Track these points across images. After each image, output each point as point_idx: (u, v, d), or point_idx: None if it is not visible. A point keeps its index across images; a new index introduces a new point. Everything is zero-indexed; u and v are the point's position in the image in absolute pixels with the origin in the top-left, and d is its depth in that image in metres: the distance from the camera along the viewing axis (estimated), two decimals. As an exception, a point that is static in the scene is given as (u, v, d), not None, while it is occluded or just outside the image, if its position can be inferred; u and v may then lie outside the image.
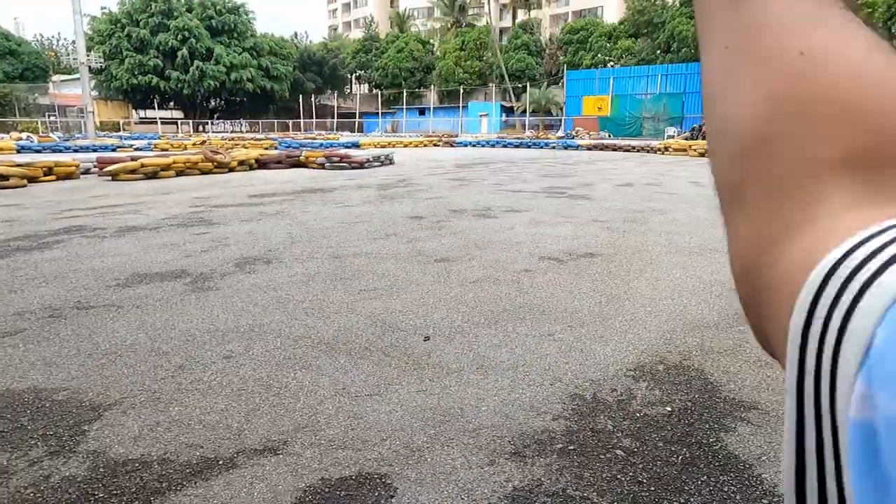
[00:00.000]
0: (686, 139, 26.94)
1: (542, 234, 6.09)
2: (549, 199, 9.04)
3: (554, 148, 27.22)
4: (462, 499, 1.86)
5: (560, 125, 43.92)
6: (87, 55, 28.48)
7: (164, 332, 3.30)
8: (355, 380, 2.71)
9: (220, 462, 2.06)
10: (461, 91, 51.51)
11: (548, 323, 3.47)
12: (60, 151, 21.65)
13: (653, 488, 1.92)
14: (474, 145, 30.41)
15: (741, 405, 2.48)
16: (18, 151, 21.22)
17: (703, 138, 26.48)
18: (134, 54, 46.56)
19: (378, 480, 1.96)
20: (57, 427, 2.28)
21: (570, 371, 2.81)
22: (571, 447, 2.16)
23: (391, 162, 16.56)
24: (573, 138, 32.61)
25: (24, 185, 10.83)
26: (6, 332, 3.29)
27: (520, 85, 50.25)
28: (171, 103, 55.04)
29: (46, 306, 3.75)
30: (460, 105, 51.03)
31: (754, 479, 1.97)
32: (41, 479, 1.95)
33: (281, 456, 2.10)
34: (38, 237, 5.98)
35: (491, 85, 53.95)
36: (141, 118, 55.29)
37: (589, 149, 26.08)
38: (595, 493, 1.89)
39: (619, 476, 1.99)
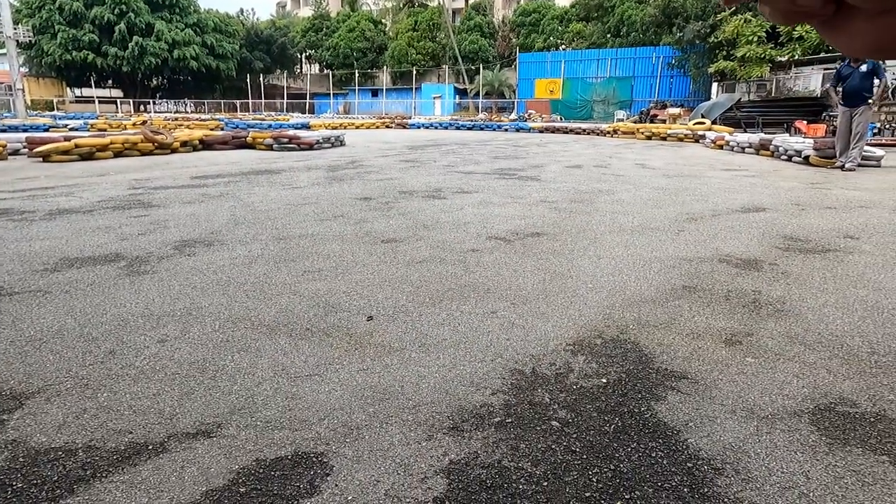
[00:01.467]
0: (635, 122, 27.53)
1: (491, 215, 6.12)
2: (500, 180, 9.09)
3: (507, 130, 27.35)
4: (399, 474, 1.87)
5: (513, 107, 44.15)
6: (14, 28, 26.70)
7: (94, 318, 3.17)
8: (295, 361, 2.67)
9: (150, 447, 2.00)
10: (414, 72, 51.01)
11: (492, 301, 3.50)
12: (-14, 131, 20.33)
13: (585, 456, 1.97)
14: (427, 127, 30.23)
15: (672, 375, 2.57)
16: (-61, 131, 19.83)
17: (651, 121, 27.16)
18: (67, 28, 44.02)
19: (314, 459, 1.94)
20: (-27, 417, 2.16)
21: (511, 347, 2.85)
22: (509, 420, 2.20)
23: (342, 143, 16.29)
24: (526, 121, 32.84)
25: (-55, 167, 10.14)
26: (-82, 320, 3.09)
27: (473, 67, 50.18)
28: (110, 81, 52.53)
29: (-35, 293, 3.54)
30: (413, 86, 50.57)
31: (681, 444, 2.05)
32: (-46, 472, 1.85)
33: (214, 438, 2.05)
34: (-41, 221, 5.62)
35: (444, 66, 53.66)
36: (77, 97, 52.53)
37: (541, 131, 26.32)
38: (529, 464, 1.93)
39: (553, 446, 2.03)
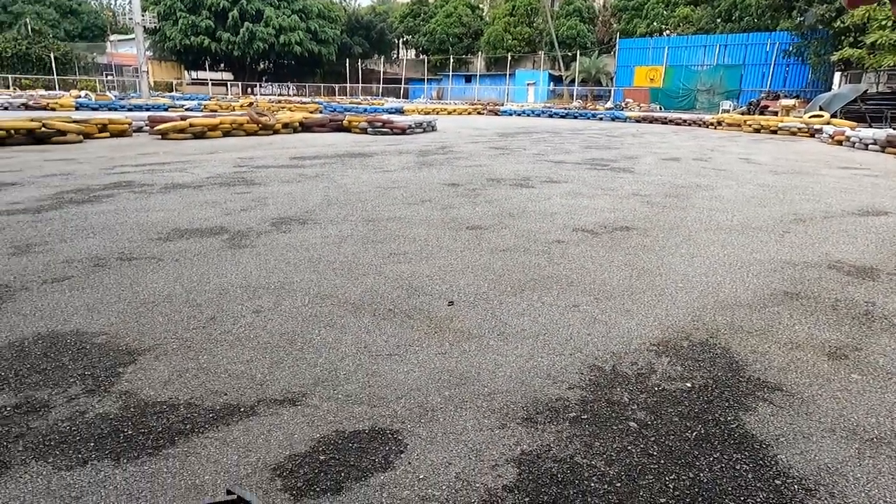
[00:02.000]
0: (742, 113, 25.78)
1: (579, 206, 5.99)
2: (591, 171, 8.85)
3: (601, 119, 26.50)
4: (470, 458, 1.90)
5: (609, 96, 42.68)
6: (142, 15, 29.06)
7: (199, 286, 3.43)
8: (377, 339, 2.77)
9: (242, 409, 2.15)
10: (509, 58, 50.45)
11: (575, 294, 3.44)
12: (115, 110, 22.40)
13: (662, 461, 1.91)
14: (519, 114, 29.89)
15: (765, 386, 2.42)
16: (77, 108, 22.06)
17: (761, 113, 25.30)
18: (186, 15, 47.33)
19: (390, 436, 2.01)
20: (94, 368, 2.42)
21: (591, 342, 2.79)
22: (584, 416, 2.16)
23: (433, 129, 16.47)
24: (622, 110, 31.65)
25: (80, 141, 11.27)
26: (55, 278, 3.48)
27: (570, 53, 48.88)
28: (222, 65, 55.93)
29: (92, 256, 3.94)
30: (507, 73, 50.05)
31: (769, 459, 1.93)
32: (77, 415, 2.08)
33: (299, 407, 2.17)
34: (90, 191, 6.24)
35: (540, 52, 52.63)
36: (193, 79, 56.41)
37: (637, 121, 25.29)
38: (603, 463, 1.89)
39: (629, 447, 1.98)
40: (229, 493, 0.92)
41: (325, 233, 4.69)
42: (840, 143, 14.47)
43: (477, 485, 1.78)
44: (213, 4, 46.84)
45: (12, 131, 10.34)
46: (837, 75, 29.54)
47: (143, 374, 2.38)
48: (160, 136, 12.34)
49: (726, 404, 2.27)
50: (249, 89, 51.72)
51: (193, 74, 57.19)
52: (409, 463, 1.87)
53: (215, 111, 20.98)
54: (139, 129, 13.62)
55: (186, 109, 21.30)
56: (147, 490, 1.71)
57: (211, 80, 53.42)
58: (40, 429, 1.99)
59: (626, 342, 2.81)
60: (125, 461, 1.84)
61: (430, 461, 1.88)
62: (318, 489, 1.74)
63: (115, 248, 4.12)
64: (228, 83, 53.54)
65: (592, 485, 1.79)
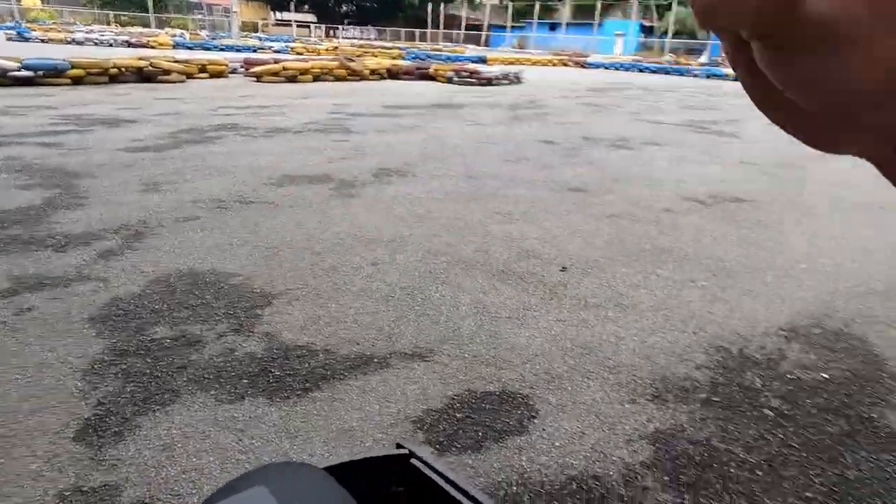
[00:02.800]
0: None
1: (684, 173, 5.72)
2: (692, 133, 8.40)
3: (696, 76, 24.91)
4: (603, 430, 1.92)
5: (705, 50, 39.90)
6: (235, -46, 29.45)
7: (316, 233, 3.56)
8: (494, 301, 2.80)
9: (375, 360, 2.25)
10: (598, 6, 47.85)
11: (690, 268, 3.33)
12: (209, 49, 23.12)
13: (804, 454, 1.86)
14: (607, 67, 28.55)
15: (911, 384, 2.28)
16: (174, 47, 22.91)
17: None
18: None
19: (521, 400, 2.05)
20: (235, 308, 2.59)
21: (714, 322, 2.71)
22: (716, 399, 2.12)
23: (519, 81, 16.04)
24: (718, 66, 29.55)
25: (183, 81, 11.76)
26: (187, 217, 3.71)
27: (664, 2, 45.74)
28: (306, 6, 56.20)
29: (214, 198, 4.15)
30: (595, 22, 47.58)
31: (923, 464, 1.84)
32: (227, 352, 2.25)
33: (429, 363, 2.25)
34: (201, 131, 6.54)
35: (631, 0, 49.55)
36: (277, 20, 57.13)
37: (736, 79, 23.59)
38: (741, 449, 1.86)
39: (766, 436, 1.94)
40: (399, 446, 0.95)
41: (427, 187, 4.73)
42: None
43: (614, 458, 1.80)
44: (300, -56, 46.74)
45: (124, 69, 10.90)
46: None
47: (280, 318, 2.52)
48: (255, 79, 12.67)
49: (869, 400, 2.17)
50: (332, 32, 51.94)
51: (278, 15, 57.90)
52: (544, 429, 1.91)
53: (301, 54, 21.26)
54: (234, 71, 14.03)
55: (275, 51, 21.69)
56: (303, 429, 1.84)
57: (295, 21, 53.94)
58: (199, 362, 2.17)
59: (752, 325, 2.71)
60: (278, 400, 1.98)
61: (563, 429, 1.91)
62: (459, 446, 1.81)
63: (233, 191, 4.33)
64: (312, 25, 53.91)
65: (733, 471, 1.77)
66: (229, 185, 4.48)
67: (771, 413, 2.06)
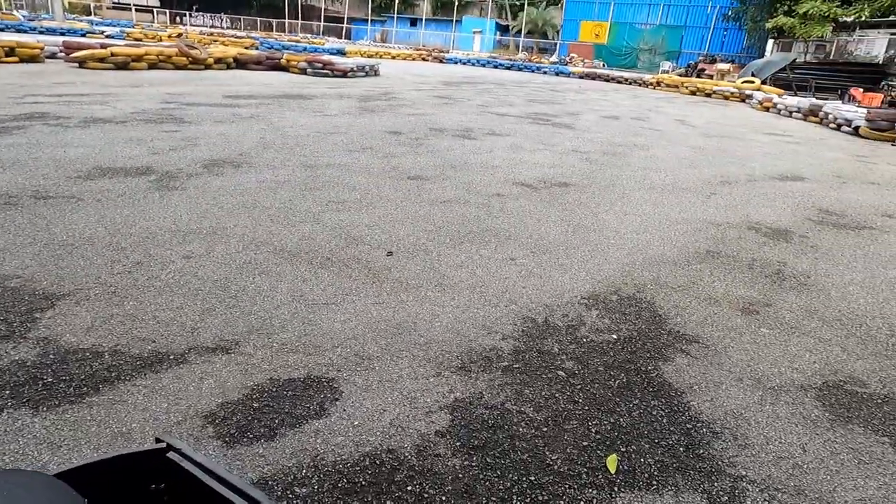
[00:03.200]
0: (680, 75, 26.38)
1: (520, 160, 6.03)
2: (533, 125, 8.89)
3: (545, 73, 26.47)
4: (404, 405, 1.94)
5: (555, 49, 42.52)
6: (54, -74, 26.20)
7: (124, 228, 3.25)
8: (314, 288, 2.74)
9: (171, 357, 2.09)
10: (456, 4, 49.09)
11: (512, 247, 3.51)
12: (25, 32, 20.41)
13: (587, 408, 2.02)
14: (464, 63, 29.38)
15: (684, 338, 2.58)
16: (-21, 28, 19.91)
17: (698, 75, 25.98)
18: (106, -70, 42.96)
19: (325, 384, 2.02)
20: (8, 313, 2.28)
21: (525, 295, 2.87)
22: (516, 366, 2.25)
23: (376, 73, 15.98)
24: (566, 65, 31.68)
25: (-16, 65, 10.23)
26: (-42, 215, 3.21)
27: (518, 3, 48.07)
28: (148, -11, 51.57)
29: (2, 193, 3.65)
30: (454, 19, 48.79)
31: (683, 405, 2.08)
32: (-10, 361, 1.97)
33: (232, 355, 2.14)
34: (-3, 121, 5.72)
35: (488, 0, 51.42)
36: (114, 3, 51.80)
37: (581, 77, 25.42)
38: (531, 409, 1.98)
39: (556, 395, 2.08)
40: (158, 440, 0.89)
41: (260, 177, 4.53)
42: (767, 109, 15.12)
43: (410, 430, 1.83)
44: (136, -80, 42.66)
45: None
46: (770, 43, 30.58)
47: (63, 320, 2.26)
48: (78, 65, 11.36)
49: (648, 355, 2.41)
50: (178, 18, 48.17)
51: (115, -2, 52.53)
52: (344, 410, 1.89)
53: (140, 40, 19.46)
54: (52, 56, 12.48)
55: (107, 36, 19.64)
56: (69, 438, 1.66)
57: (135, 5, 49.20)
58: (-52, 376, 1.87)
59: (559, 295, 2.91)
60: (45, 409, 1.77)
61: (364, 408, 1.91)
62: (250, 436, 1.74)
63: (28, 185, 3.83)
64: (155, 10, 49.55)
65: (521, 429, 1.88)
66: (24, 178, 3.96)
67: (563, 374, 2.22)
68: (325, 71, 14.32)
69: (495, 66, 28.27)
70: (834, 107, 12.57)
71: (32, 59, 11.59)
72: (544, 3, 47.54)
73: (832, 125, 11.95)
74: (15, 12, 32.06)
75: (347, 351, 2.24)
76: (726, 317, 2.83)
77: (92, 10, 45.19)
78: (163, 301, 2.49)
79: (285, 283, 2.77)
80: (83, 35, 19.39)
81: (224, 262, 2.94)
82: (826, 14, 24.49)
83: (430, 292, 2.81)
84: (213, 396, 1.90)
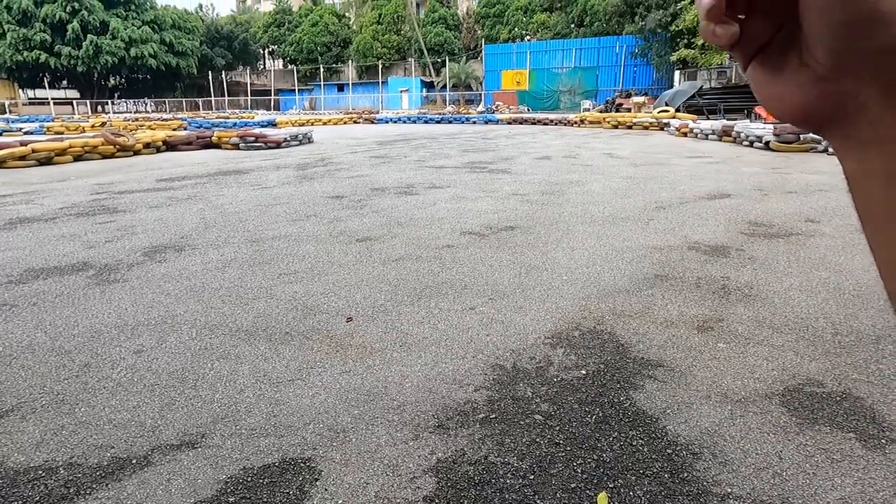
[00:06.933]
0: (601, 111, 27.85)
1: (464, 210, 6.15)
2: (471, 174, 9.12)
3: (475, 122, 27.39)
4: (387, 475, 1.89)
5: (480, 99, 44.19)
6: (-40, 29, 25.57)
7: (65, 330, 3.09)
8: (276, 366, 2.66)
9: (134, 461, 1.97)
10: (380, 66, 50.58)
11: (470, 297, 3.54)
12: (-65, 137, 19.53)
13: (569, 448, 2.02)
14: (395, 121, 30.07)
15: (649, 364, 2.64)
16: None
17: (616, 110, 27.49)
18: (17, 28, 42.37)
19: (302, 465, 1.95)
20: (-55, 440, 2.10)
21: (491, 343, 2.89)
22: (493, 416, 2.23)
23: (310, 140, 16.11)
24: (493, 113, 32.92)
25: None
26: None
27: (439, 59, 49.98)
28: (65, 82, 50.79)
29: (-74, 310, 3.41)
30: (380, 80, 50.15)
31: (660, 431, 2.11)
32: (-71, 498, 1.80)
33: (199, 449, 2.04)
34: (-87, 234, 5.40)
35: (410, 59, 53.27)
36: (30, 99, 50.71)
37: (509, 123, 26.44)
38: (515, 458, 1.97)
39: (537, 440, 2.08)
40: None
41: (205, 258, 4.43)
42: (685, 134, 16.10)
43: (397, 500, 1.77)
44: (47, 16, 42.26)
45: None
46: (677, 73, 32.85)
47: (9, 439, 2.11)
48: (-4, 165, 10.92)
49: (618, 386, 2.45)
50: (100, 107, 47.42)
51: (31, 93, 51.38)
52: (326, 489, 1.83)
53: (62, 133, 18.99)
54: (-32, 159, 11.96)
55: (25, 133, 19.07)
56: (29, 570, 1.53)
57: (52, 98, 48.18)
58: None
59: (523, 338, 2.94)
60: (-2, 542, 1.62)
61: (346, 484, 1.85)
62: (230, 534, 1.65)
63: (-46, 298, 3.61)
64: (75, 101, 48.64)
65: (508, 481, 1.85)
66: (-51, 291, 3.73)
67: (540, 417, 2.22)
68: (258, 144, 14.32)
69: (426, 122, 29.06)
70: (744, 126, 13.53)
71: (-54, 165, 11.07)
72: (465, 57, 49.60)
73: (745, 143, 12.82)
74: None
75: (320, 426, 2.17)
76: (684, 337, 2.93)
77: (7, 107, 43.94)
78: (117, 402, 2.36)
79: (246, 364, 2.68)
80: (0, 134, 18.74)
81: (178, 351, 2.83)
82: (721, 43, 26.51)
83: (395, 353, 2.78)
84: (185, 497, 1.80)
